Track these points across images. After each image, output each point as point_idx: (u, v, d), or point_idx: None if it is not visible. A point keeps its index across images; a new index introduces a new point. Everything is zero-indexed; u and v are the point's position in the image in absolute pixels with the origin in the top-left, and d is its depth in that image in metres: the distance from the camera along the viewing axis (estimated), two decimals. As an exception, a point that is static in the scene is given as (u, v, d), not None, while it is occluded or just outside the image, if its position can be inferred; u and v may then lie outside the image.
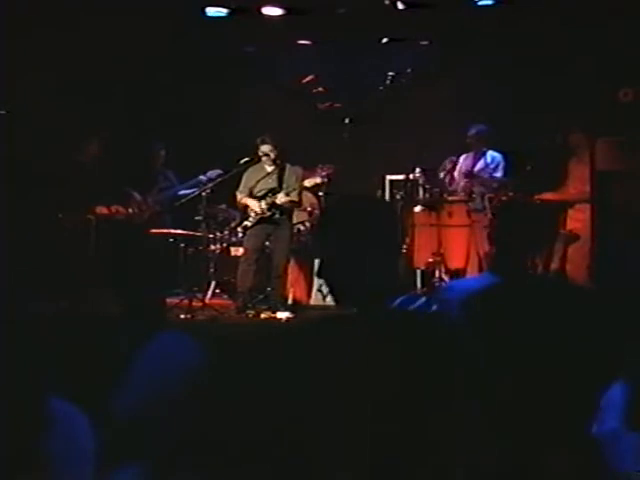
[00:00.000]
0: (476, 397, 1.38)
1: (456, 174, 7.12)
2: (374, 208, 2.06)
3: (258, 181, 6.71)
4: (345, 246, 1.87)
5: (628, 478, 1.38)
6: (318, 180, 6.88)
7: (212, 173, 6.93)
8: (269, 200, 6.58)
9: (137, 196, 7.12)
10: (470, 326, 1.50)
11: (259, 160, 6.72)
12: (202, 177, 6.97)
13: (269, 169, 6.72)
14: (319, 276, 1.91)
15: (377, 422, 1.39)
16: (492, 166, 7.01)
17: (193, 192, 6.81)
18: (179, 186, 7.27)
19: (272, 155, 6.63)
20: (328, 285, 1.95)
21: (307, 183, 6.93)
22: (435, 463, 1.37)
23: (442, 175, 7.04)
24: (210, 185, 6.67)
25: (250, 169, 6.77)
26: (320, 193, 7.50)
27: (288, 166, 6.75)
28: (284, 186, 6.64)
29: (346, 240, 1.87)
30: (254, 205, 6.63)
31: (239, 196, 6.79)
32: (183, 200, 6.78)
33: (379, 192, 8.06)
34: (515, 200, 6.30)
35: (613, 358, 1.50)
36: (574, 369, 1.48)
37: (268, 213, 6.60)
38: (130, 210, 7.06)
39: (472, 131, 7.08)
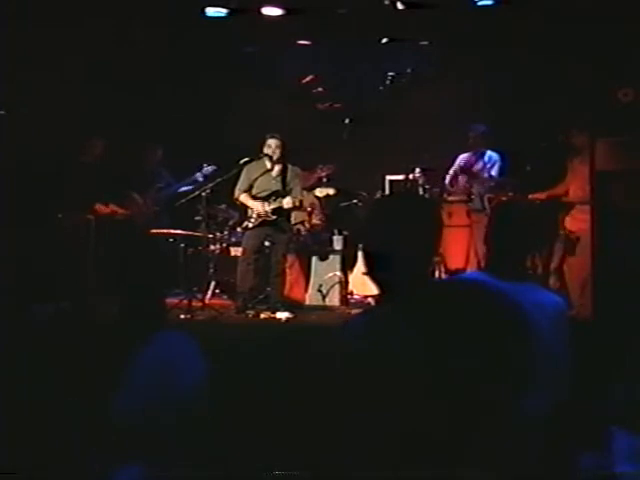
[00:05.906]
0: None
1: (452, 172, 7.14)
2: (419, 206, 2.11)
3: (258, 178, 6.68)
4: (390, 240, 1.91)
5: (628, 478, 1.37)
6: (331, 192, 6.84)
7: (207, 169, 6.91)
8: (275, 205, 6.55)
9: (137, 197, 7.12)
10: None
11: (259, 158, 6.70)
12: (198, 174, 6.97)
13: (269, 165, 6.69)
14: (366, 267, 1.97)
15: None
16: (488, 165, 7.02)
17: (191, 189, 6.81)
18: (177, 184, 7.29)
19: (277, 152, 6.61)
20: (373, 276, 1.99)
21: (318, 193, 6.90)
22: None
23: (449, 176, 7.07)
24: (210, 185, 6.65)
25: (250, 165, 6.71)
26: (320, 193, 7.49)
27: (290, 167, 6.72)
28: (287, 189, 6.62)
29: (392, 234, 1.92)
30: (258, 208, 6.62)
31: (238, 193, 6.72)
32: (183, 200, 6.78)
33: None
34: (511, 200, 6.30)
35: None
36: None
37: (272, 217, 6.58)
38: (131, 210, 7.07)
39: (472, 131, 7.09)
